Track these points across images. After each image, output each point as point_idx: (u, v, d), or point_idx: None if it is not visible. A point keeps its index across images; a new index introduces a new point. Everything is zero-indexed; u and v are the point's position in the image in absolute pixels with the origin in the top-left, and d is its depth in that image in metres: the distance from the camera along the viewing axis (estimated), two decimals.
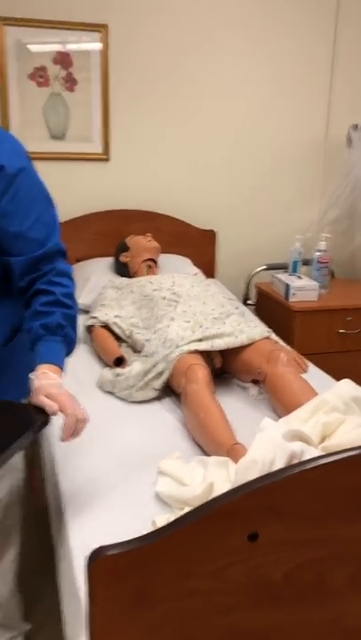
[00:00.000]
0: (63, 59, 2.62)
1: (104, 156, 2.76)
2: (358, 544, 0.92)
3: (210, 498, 1.15)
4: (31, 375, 1.13)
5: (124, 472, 1.36)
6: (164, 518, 1.07)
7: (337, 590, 0.93)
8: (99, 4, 2.58)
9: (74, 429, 1.11)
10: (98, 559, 0.80)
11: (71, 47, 2.60)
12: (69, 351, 1.23)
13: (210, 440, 1.42)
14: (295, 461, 1.06)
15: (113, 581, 0.81)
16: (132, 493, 1.27)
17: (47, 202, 1.25)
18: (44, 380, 1.11)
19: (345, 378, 2.41)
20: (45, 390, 1.10)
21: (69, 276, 1.25)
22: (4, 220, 1.16)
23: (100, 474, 1.35)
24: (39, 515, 2.01)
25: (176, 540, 0.83)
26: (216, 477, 1.20)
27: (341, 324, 2.55)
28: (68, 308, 1.21)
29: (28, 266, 1.19)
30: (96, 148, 2.75)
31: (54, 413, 1.09)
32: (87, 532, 1.15)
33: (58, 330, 1.18)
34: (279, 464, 1.04)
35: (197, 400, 1.54)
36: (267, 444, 1.05)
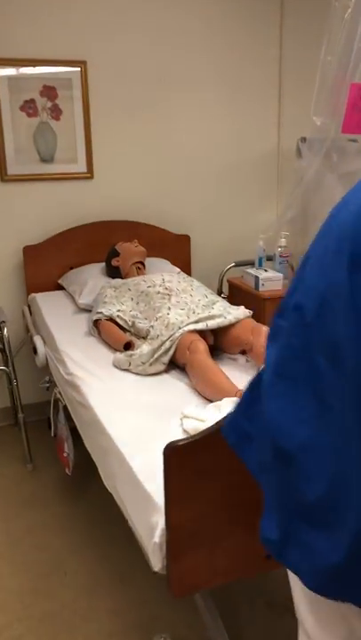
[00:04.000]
0: (49, 92, 3.01)
1: (88, 175, 3.15)
2: None
3: None
4: None
5: (156, 421, 1.75)
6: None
7: None
8: (78, 43, 2.99)
9: None
10: (173, 449, 1.20)
11: (55, 81, 3.00)
12: None
13: (218, 390, 1.82)
14: None
15: (182, 465, 1.22)
16: (166, 432, 1.66)
17: None
18: None
19: None
20: None
21: None
22: None
23: (137, 423, 1.74)
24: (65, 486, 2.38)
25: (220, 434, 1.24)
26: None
27: None
28: None
29: None
30: (81, 168, 3.14)
31: None
32: (139, 452, 1.54)
33: None
34: None
35: (203, 365, 1.96)
36: None
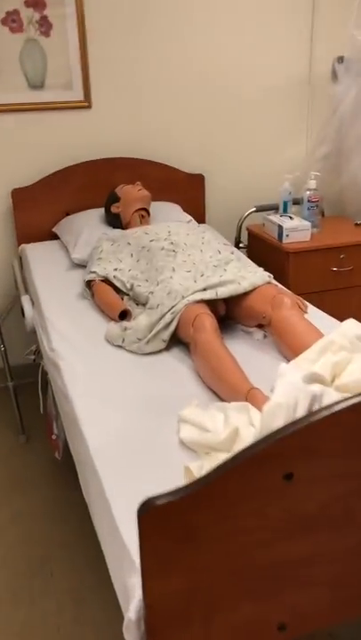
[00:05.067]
0: (36, 0, 2.51)
1: (86, 104, 2.70)
2: None
3: (236, 442, 1.21)
4: None
5: (146, 422, 1.41)
6: (196, 465, 1.12)
7: None
8: None
9: None
10: (149, 510, 0.85)
11: None
12: None
13: (226, 386, 1.47)
14: (316, 403, 1.12)
15: (163, 528, 0.87)
16: (158, 442, 1.33)
17: None
18: None
19: (341, 314, 2.48)
20: None
21: None
22: None
23: (123, 425, 1.40)
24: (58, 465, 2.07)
25: (218, 487, 0.88)
26: (238, 421, 1.26)
27: (335, 263, 2.59)
28: None
29: None
30: (77, 95, 2.68)
31: None
32: (122, 480, 1.20)
33: None
34: (302, 406, 1.09)
35: (208, 348, 1.59)
36: (289, 388, 1.10)
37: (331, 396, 1.15)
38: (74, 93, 2.67)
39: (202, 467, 1.13)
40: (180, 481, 1.16)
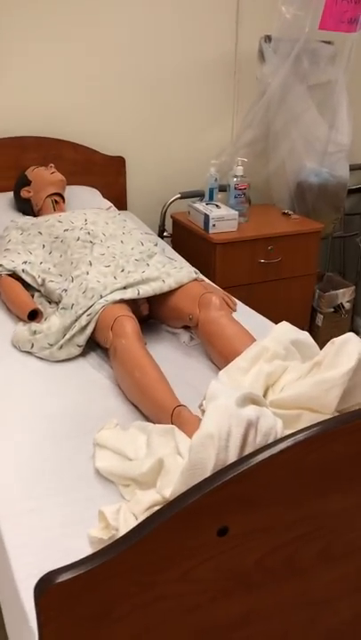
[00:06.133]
0: None
1: None
2: (330, 517, 0.86)
3: (160, 474, 1.05)
4: None
5: (56, 447, 1.23)
6: (112, 510, 0.96)
7: (308, 566, 0.88)
8: None
9: None
10: (47, 590, 0.68)
11: None
12: None
13: (149, 402, 1.31)
14: (252, 429, 0.98)
15: (67, 608, 0.70)
16: (70, 472, 1.15)
17: None
18: None
19: (269, 308, 2.37)
20: None
21: None
22: None
23: (28, 454, 1.20)
24: None
25: (137, 550, 0.72)
26: (162, 449, 1.10)
27: (263, 254, 2.48)
28: None
29: None
30: None
31: None
32: (26, 530, 1.01)
33: None
34: (237, 435, 0.95)
35: (130, 357, 1.42)
36: (221, 414, 0.95)
37: (267, 419, 1.02)
38: None
39: (119, 510, 0.96)
40: (95, 525, 0.99)
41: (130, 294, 1.64)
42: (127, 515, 0.95)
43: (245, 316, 1.81)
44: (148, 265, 1.79)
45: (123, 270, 1.75)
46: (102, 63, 2.57)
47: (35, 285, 1.86)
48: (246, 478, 0.75)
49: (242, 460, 0.77)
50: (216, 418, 0.95)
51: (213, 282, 2.23)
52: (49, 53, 2.47)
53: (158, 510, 0.73)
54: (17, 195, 2.29)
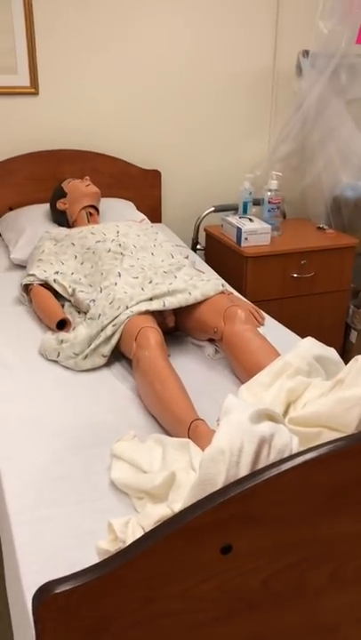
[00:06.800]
0: None
1: (32, 90, 2.48)
2: (339, 540, 0.83)
3: (172, 488, 1.04)
4: None
5: (74, 456, 1.23)
6: (121, 522, 0.95)
7: (317, 589, 0.85)
8: None
9: None
10: (45, 599, 0.67)
11: None
12: None
13: (168, 415, 1.30)
14: (266, 446, 0.95)
15: (64, 622, 0.69)
16: (85, 482, 1.15)
17: None
18: None
19: (301, 324, 2.34)
20: None
21: None
22: None
23: (46, 462, 1.21)
24: None
25: (138, 565, 0.71)
26: (176, 463, 1.09)
27: (295, 268, 2.45)
28: None
29: None
30: (22, 80, 2.46)
31: None
32: (37, 536, 1.02)
33: None
34: (249, 451, 0.92)
35: (151, 368, 1.41)
36: (233, 429, 0.93)
37: (282, 436, 0.99)
38: (19, 78, 2.45)
39: (127, 523, 0.95)
40: (105, 537, 0.98)
41: (155, 305, 1.64)
42: (136, 528, 0.94)
43: (274, 331, 1.79)
44: (175, 277, 1.79)
45: (150, 282, 1.75)
46: (140, 76, 2.60)
47: (65, 295, 1.88)
48: (252, 496, 0.74)
49: (247, 477, 0.75)
50: (228, 433, 0.93)
51: (244, 295, 2.22)
52: (88, 66, 2.52)
53: (160, 525, 0.72)
54: (53, 206, 2.32)
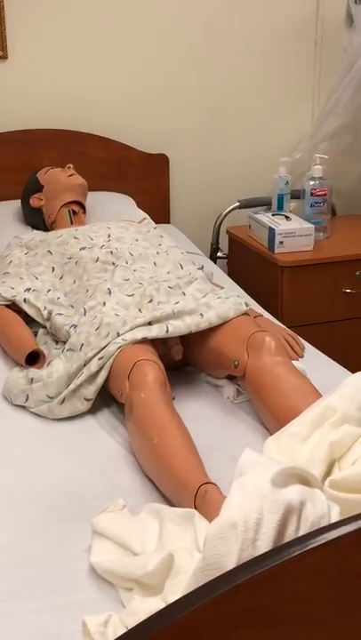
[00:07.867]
0: None
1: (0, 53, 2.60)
2: None
3: (170, 575, 1.05)
4: None
5: (44, 534, 1.25)
6: (99, 620, 0.96)
7: None
8: None
9: None
10: None
11: None
12: None
13: (168, 477, 1.34)
14: (294, 517, 0.96)
15: None
16: (56, 568, 1.17)
17: None
18: None
19: (355, 357, 2.34)
20: None
21: None
22: None
23: (10, 542, 1.24)
24: None
25: None
26: (177, 542, 1.11)
27: (348, 282, 2.49)
28: None
29: None
30: None
31: None
32: None
33: None
34: (270, 525, 0.94)
35: (148, 416, 1.45)
36: (249, 495, 0.95)
37: (317, 505, 1.01)
38: None
39: (107, 622, 0.96)
40: None
41: (156, 332, 1.67)
42: (118, 627, 0.96)
43: (318, 364, 1.83)
44: (183, 294, 1.83)
45: (151, 301, 1.79)
46: (141, 31, 2.72)
47: (39, 320, 1.93)
48: (267, 583, 0.74)
49: (262, 556, 0.75)
50: (243, 500, 0.95)
51: (279, 319, 2.24)
52: (71, 20, 2.63)
53: (145, 621, 0.73)
54: (25, 203, 2.40)
